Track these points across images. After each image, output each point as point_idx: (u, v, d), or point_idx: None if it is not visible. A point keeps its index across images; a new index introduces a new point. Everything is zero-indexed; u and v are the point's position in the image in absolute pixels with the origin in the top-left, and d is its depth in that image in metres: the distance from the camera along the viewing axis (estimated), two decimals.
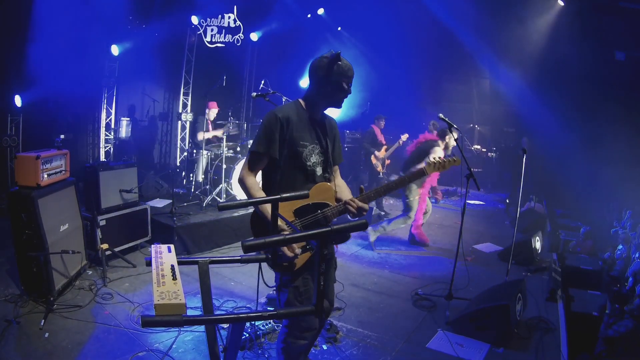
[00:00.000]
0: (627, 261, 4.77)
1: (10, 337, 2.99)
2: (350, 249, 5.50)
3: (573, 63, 8.48)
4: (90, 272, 4.23)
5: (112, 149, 7.52)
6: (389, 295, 4.25)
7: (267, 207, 2.05)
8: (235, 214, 5.46)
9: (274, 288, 2.30)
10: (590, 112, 8.29)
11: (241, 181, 2.17)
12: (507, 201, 8.35)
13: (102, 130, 7.36)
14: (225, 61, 8.69)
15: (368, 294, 4.23)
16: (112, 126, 7.50)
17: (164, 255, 1.72)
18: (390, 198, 8.48)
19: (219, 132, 6.74)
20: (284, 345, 2.23)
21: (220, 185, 5.91)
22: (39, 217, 3.39)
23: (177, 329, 3.21)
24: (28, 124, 5.94)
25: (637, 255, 4.54)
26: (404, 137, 7.39)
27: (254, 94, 4.79)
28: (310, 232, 1.47)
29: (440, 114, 3.78)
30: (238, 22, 8.37)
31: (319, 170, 2.24)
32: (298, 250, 1.98)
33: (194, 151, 6.78)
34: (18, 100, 5.81)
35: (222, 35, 8.32)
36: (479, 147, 10.52)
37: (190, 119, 8.04)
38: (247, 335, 3.09)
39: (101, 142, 7.37)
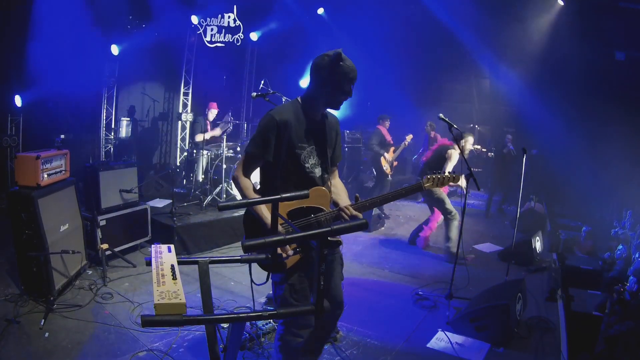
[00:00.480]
0: (627, 261, 4.76)
1: (10, 336, 2.99)
2: (350, 249, 5.49)
3: (573, 63, 8.48)
4: (90, 272, 4.23)
5: (112, 149, 7.53)
6: (389, 295, 4.25)
7: (262, 207, 2.04)
8: (236, 214, 5.46)
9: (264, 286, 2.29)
10: (590, 112, 8.28)
11: (235, 180, 2.16)
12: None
13: (102, 130, 7.36)
14: (225, 61, 8.69)
15: (368, 293, 4.23)
16: (112, 126, 7.50)
17: (164, 255, 1.72)
18: None
19: (217, 131, 6.75)
20: (281, 343, 2.24)
21: (220, 185, 5.92)
22: (39, 217, 3.39)
23: (177, 329, 3.21)
24: (28, 124, 5.95)
25: (637, 255, 4.53)
26: (409, 137, 7.29)
27: (254, 94, 4.78)
28: (310, 232, 1.46)
29: (440, 114, 3.78)
30: (238, 22, 8.38)
31: (317, 172, 2.22)
32: (290, 252, 1.98)
33: (194, 151, 6.78)
34: (18, 100, 5.81)
35: (222, 35, 8.32)
36: (479, 147, 10.49)
37: (190, 119, 8.04)
38: (247, 334, 3.10)
39: (101, 142, 7.37)
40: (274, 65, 9.28)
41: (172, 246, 1.81)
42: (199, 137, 6.49)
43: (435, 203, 5.37)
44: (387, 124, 7.59)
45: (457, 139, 5.13)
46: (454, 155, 5.06)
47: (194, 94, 8.69)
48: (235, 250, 5.23)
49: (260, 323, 3.24)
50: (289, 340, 2.21)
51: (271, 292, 3.63)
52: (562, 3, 8.55)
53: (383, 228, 6.69)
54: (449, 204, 5.24)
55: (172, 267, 1.58)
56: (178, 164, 8.62)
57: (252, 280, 2.20)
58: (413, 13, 9.32)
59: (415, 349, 3.27)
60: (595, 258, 5.33)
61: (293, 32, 9.45)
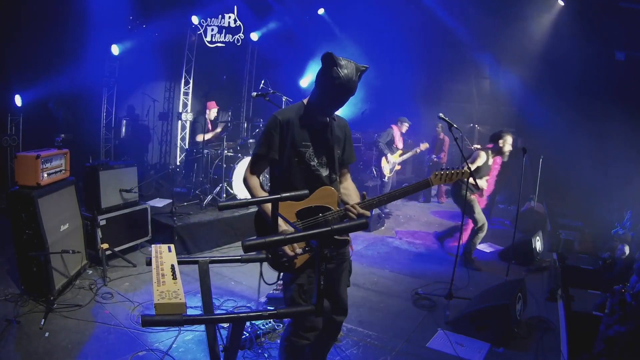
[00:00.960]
0: (627, 261, 4.76)
1: (10, 336, 2.99)
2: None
3: (573, 63, 8.47)
4: (90, 272, 4.23)
5: (112, 148, 7.52)
6: (389, 295, 4.25)
7: (269, 207, 2.06)
8: (236, 214, 5.46)
9: (274, 287, 2.31)
10: (590, 112, 8.28)
11: (245, 181, 2.23)
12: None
13: (102, 130, 7.36)
14: (225, 61, 8.70)
15: (368, 293, 4.23)
16: (112, 126, 7.50)
17: (164, 254, 1.72)
18: None
19: (217, 130, 6.75)
20: (287, 344, 2.23)
21: (220, 185, 5.91)
22: (39, 217, 3.39)
23: (177, 329, 3.21)
24: (28, 123, 5.94)
25: (637, 255, 4.54)
26: (423, 146, 7.15)
27: (254, 93, 4.80)
28: (310, 232, 1.47)
29: (441, 114, 3.78)
30: (238, 22, 8.38)
31: (324, 171, 2.23)
32: (299, 250, 1.98)
33: (194, 151, 6.78)
34: (18, 100, 5.81)
35: (222, 35, 8.33)
36: (479, 146, 10.49)
37: (190, 119, 8.04)
38: (247, 334, 3.10)
39: (101, 142, 7.37)
40: (274, 65, 9.28)
41: (172, 246, 1.81)
42: (199, 137, 6.49)
43: (467, 207, 4.92)
44: (405, 127, 7.35)
45: (494, 139, 4.92)
46: (480, 156, 4.84)
47: (194, 93, 8.69)
48: (236, 250, 5.23)
49: (259, 323, 3.24)
50: (295, 341, 2.21)
51: (271, 292, 3.66)
52: (562, 3, 8.54)
53: (383, 228, 6.69)
54: (478, 214, 4.95)
55: (172, 267, 1.58)
56: (178, 163, 8.62)
57: (263, 280, 2.21)
58: (413, 13, 9.32)
59: (415, 349, 3.27)
60: (595, 258, 5.33)
61: (293, 32, 9.45)
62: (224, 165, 5.90)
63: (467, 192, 4.78)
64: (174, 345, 3.05)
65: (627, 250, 5.04)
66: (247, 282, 4.26)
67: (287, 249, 1.95)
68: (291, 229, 1.98)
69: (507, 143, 4.87)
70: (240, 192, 5.96)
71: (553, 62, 8.87)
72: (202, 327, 2.93)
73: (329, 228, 1.45)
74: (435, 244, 5.95)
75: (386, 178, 7.21)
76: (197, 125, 6.71)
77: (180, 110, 8.64)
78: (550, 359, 3.22)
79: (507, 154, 4.92)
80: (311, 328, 2.21)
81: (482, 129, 11.46)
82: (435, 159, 8.59)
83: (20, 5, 5.87)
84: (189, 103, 8.64)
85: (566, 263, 4.97)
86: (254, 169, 2.22)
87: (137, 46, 7.27)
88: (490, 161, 4.90)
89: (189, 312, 1.36)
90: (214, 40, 8.27)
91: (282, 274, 2.20)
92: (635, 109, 7.65)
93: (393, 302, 4.08)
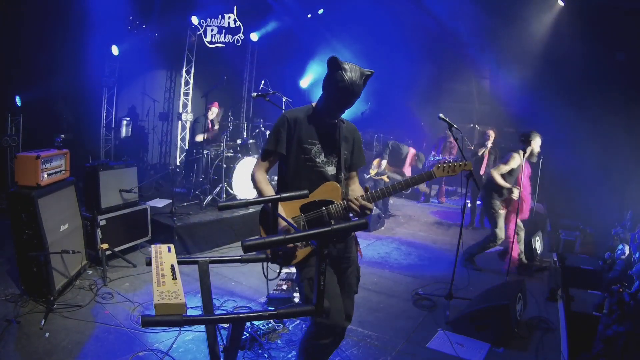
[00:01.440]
0: (627, 261, 4.77)
1: (10, 337, 2.98)
2: None
3: (573, 63, 8.47)
4: (90, 272, 4.22)
5: (112, 149, 7.53)
6: (389, 295, 4.25)
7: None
8: (236, 214, 5.46)
9: (276, 281, 2.31)
10: (590, 112, 8.28)
11: (252, 176, 2.31)
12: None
13: (102, 130, 7.37)
14: (225, 61, 8.70)
15: (368, 293, 4.23)
16: (112, 126, 7.50)
17: (164, 255, 1.72)
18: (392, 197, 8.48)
19: (215, 128, 6.76)
20: (307, 345, 2.19)
21: (220, 185, 5.91)
22: (39, 217, 3.39)
23: (177, 329, 3.21)
24: (28, 124, 5.95)
25: (637, 255, 4.53)
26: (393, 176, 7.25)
27: (254, 94, 4.80)
28: (310, 232, 1.47)
29: (440, 114, 3.77)
30: (238, 22, 8.38)
31: (330, 170, 2.28)
32: (299, 243, 1.99)
33: (194, 151, 6.78)
34: (18, 100, 5.81)
35: (222, 35, 8.33)
36: (484, 149, 10.48)
37: (190, 119, 8.04)
38: (247, 335, 3.10)
39: (101, 142, 7.38)
40: (274, 65, 9.28)
41: (172, 246, 1.81)
42: (199, 137, 6.50)
43: (491, 217, 4.90)
44: (422, 159, 7.44)
45: (525, 139, 4.74)
46: (514, 158, 4.70)
47: (194, 94, 8.69)
48: (236, 250, 5.22)
49: (259, 323, 3.24)
50: (316, 341, 2.15)
51: (272, 292, 3.66)
52: (562, 3, 8.55)
53: (383, 228, 6.69)
54: (500, 229, 4.83)
55: (172, 267, 1.58)
56: (178, 163, 8.62)
57: (265, 276, 2.21)
58: (413, 13, 9.31)
59: (415, 349, 3.27)
60: (595, 258, 5.33)
61: (293, 32, 9.45)
62: (224, 166, 5.90)
63: (499, 203, 4.80)
64: (174, 346, 3.05)
65: (627, 250, 5.04)
66: (247, 282, 4.26)
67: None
68: (291, 229, 1.98)
69: (536, 144, 4.73)
70: (240, 192, 5.96)
71: (553, 62, 8.88)
72: (202, 328, 2.92)
73: (329, 228, 1.45)
74: (436, 244, 5.94)
75: (368, 175, 7.27)
76: (198, 125, 6.71)
77: (180, 111, 8.65)
78: (550, 359, 3.22)
79: (537, 155, 4.80)
80: (334, 327, 2.14)
81: (482, 129, 11.46)
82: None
83: (21, 5, 5.87)
84: (189, 103, 8.65)
85: (566, 263, 4.97)
86: (261, 164, 2.30)
87: (137, 46, 7.28)
88: (523, 163, 4.75)
89: (189, 312, 1.36)
90: (213, 40, 8.27)
91: (284, 273, 2.20)
92: (635, 109, 7.64)
93: (393, 302, 4.08)
